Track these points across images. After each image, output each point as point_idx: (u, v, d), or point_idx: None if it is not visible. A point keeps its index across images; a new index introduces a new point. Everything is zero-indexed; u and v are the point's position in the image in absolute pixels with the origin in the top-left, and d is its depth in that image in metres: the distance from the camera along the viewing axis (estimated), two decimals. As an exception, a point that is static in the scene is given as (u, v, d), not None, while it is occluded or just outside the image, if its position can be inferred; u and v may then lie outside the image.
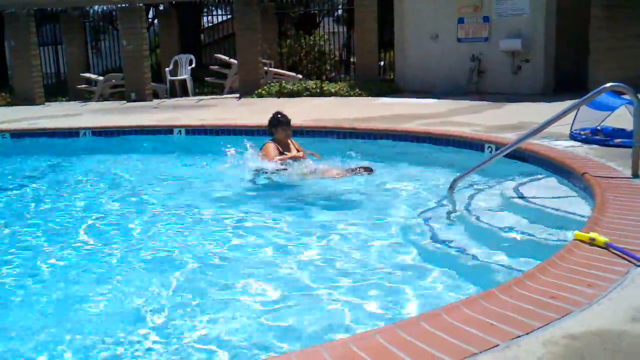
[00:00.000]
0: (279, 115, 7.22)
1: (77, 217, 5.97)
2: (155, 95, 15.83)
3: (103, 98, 16.13)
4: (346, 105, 12.11)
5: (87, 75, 17.10)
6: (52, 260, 4.62)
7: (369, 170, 6.72)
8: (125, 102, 15.05)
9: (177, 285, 4.04)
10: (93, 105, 14.94)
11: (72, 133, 10.20)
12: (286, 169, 6.84)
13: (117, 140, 9.88)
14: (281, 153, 7.02)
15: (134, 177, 7.70)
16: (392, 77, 16.23)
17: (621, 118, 6.49)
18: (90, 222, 5.71)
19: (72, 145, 9.82)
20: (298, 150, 7.22)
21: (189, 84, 16.27)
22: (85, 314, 3.65)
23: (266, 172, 6.85)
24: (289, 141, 7.24)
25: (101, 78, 16.71)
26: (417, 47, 14.24)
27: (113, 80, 16.36)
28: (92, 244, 5.05)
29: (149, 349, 3.19)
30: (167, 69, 16.59)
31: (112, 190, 7.05)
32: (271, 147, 7.07)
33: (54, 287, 4.13)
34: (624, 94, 5.24)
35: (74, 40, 17.65)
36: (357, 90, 13.99)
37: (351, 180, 6.56)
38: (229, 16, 21.80)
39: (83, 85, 16.84)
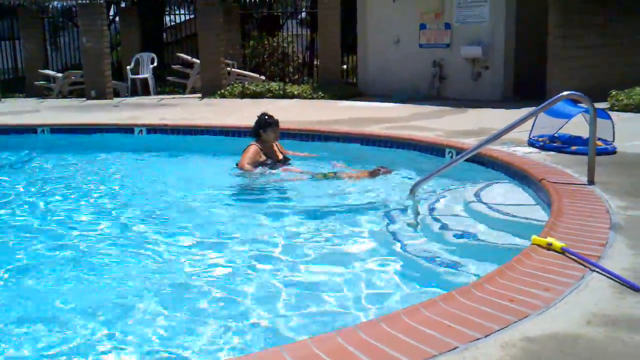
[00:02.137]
0: (267, 117, 7.05)
1: (31, 214, 5.87)
2: (116, 94, 15.60)
3: (62, 95, 15.84)
4: (309, 107, 12.13)
5: (46, 71, 16.76)
6: None
7: (384, 171, 6.68)
8: (85, 99, 14.80)
9: (129, 289, 3.99)
10: (51, 102, 14.66)
11: (29, 130, 9.99)
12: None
13: (76, 139, 9.70)
14: (260, 164, 6.86)
15: (92, 176, 7.59)
16: (354, 80, 16.30)
17: (578, 126, 6.63)
18: (42, 219, 5.62)
19: (29, 143, 9.62)
20: (282, 153, 7.17)
21: (151, 83, 16.09)
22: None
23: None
24: (275, 145, 7.13)
25: (60, 75, 16.40)
26: (380, 52, 14.33)
27: (72, 77, 16.08)
28: (44, 242, 4.97)
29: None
30: (128, 67, 16.37)
31: (68, 189, 6.93)
32: (253, 150, 6.89)
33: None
34: (580, 102, 5.36)
35: (32, 36, 17.27)
36: (320, 93, 14.01)
37: (316, 184, 6.55)
38: (191, 15, 21.62)
39: (41, 82, 16.50)
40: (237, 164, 6.93)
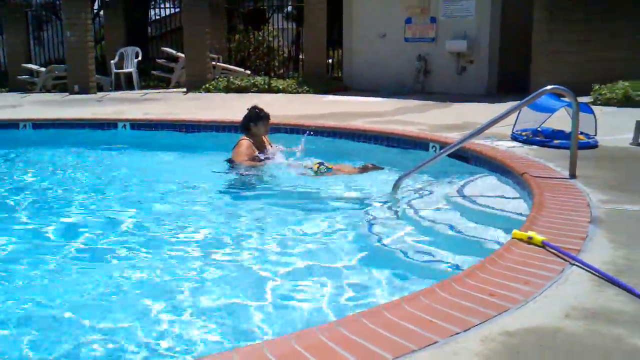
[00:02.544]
0: (257, 110, 6.98)
1: (12, 210, 5.83)
2: (100, 88, 15.51)
3: (45, 90, 15.73)
4: (294, 102, 12.12)
5: (29, 66, 16.63)
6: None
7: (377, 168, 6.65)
8: (68, 94, 14.70)
9: (108, 284, 3.97)
10: (34, 96, 14.54)
11: (12, 125, 9.90)
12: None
13: (59, 134, 9.63)
14: (253, 158, 6.78)
15: (75, 172, 7.54)
16: (340, 75, 16.30)
17: (561, 120, 6.67)
18: (23, 215, 5.58)
19: (11, 137, 9.54)
20: (272, 146, 7.10)
21: (135, 77, 16.00)
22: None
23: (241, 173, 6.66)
24: (264, 139, 7.07)
25: (43, 69, 16.28)
26: (365, 46, 14.34)
27: (56, 72, 15.96)
28: (25, 239, 4.93)
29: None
30: (112, 61, 16.28)
31: (50, 185, 6.88)
32: (246, 144, 6.82)
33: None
34: (564, 96, 5.39)
35: (15, 30, 17.11)
36: (305, 87, 14.00)
37: (305, 179, 6.52)
38: (176, 9, 21.52)
39: (24, 77, 16.36)
40: (228, 160, 6.87)
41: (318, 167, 6.52)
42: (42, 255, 4.52)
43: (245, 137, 6.92)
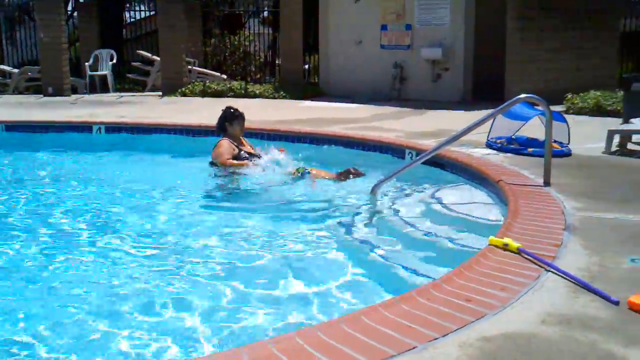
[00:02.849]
0: (232, 110, 6.95)
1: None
2: (74, 90, 15.34)
3: (18, 92, 15.51)
4: (271, 107, 12.10)
5: (1, 67, 16.39)
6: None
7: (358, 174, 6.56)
8: (42, 96, 14.51)
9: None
10: (7, 98, 14.33)
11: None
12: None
13: (32, 137, 9.50)
14: (235, 157, 6.72)
15: (47, 176, 7.45)
16: (316, 80, 16.33)
17: (535, 128, 6.76)
18: None
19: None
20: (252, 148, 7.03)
21: (110, 80, 15.85)
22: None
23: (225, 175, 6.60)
24: (242, 138, 7.02)
25: (16, 70, 16.06)
26: (341, 52, 14.38)
27: (29, 73, 15.75)
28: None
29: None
30: (86, 63, 16.10)
31: (22, 189, 6.79)
32: (226, 144, 6.75)
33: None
34: (537, 105, 5.46)
35: (-13, 30, 16.91)
36: (282, 92, 13.99)
37: (284, 182, 6.48)
38: (152, 12, 21.39)
39: (-4, 78, 16.15)
40: (212, 162, 6.78)
41: (296, 170, 6.51)
42: (12, 258, 4.46)
43: (224, 138, 6.89)
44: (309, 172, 6.51)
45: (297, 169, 6.52)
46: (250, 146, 7.10)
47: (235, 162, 6.69)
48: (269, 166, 6.70)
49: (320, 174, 6.62)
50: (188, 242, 4.87)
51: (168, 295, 3.80)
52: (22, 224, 5.45)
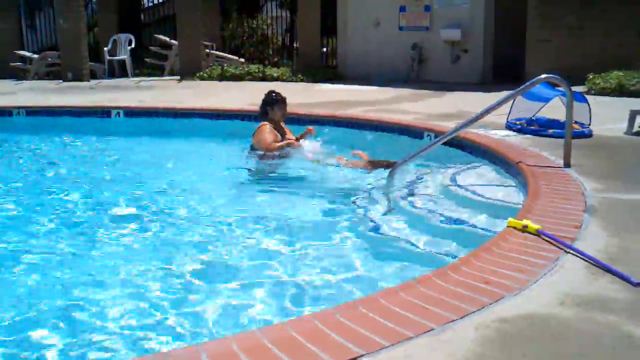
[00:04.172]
0: (274, 94, 6.87)
1: (6, 199, 5.81)
2: (93, 75, 15.43)
3: (38, 77, 15.63)
4: (289, 90, 11.96)
5: (22, 52, 16.51)
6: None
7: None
8: (61, 81, 14.62)
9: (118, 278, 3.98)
10: (27, 84, 14.46)
11: (5, 113, 9.85)
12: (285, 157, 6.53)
13: (52, 121, 9.58)
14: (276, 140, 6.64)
15: (69, 159, 7.52)
16: (334, 63, 16.26)
17: (556, 109, 6.68)
18: (17, 204, 5.56)
19: (4, 125, 9.49)
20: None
21: (128, 65, 15.91)
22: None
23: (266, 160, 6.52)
24: (282, 124, 6.93)
25: (36, 56, 16.16)
26: (359, 34, 14.30)
27: (49, 59, 15.86)
28: (20, 228, 4.92)
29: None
30: (105, 48, 16.17)
31: (44, 173, 6.86)
32: (267, 129, 6.67)
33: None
34: (558, 85, 5.40)
35: (8, 17, 16.98)
36: (300, 75, 13.98)
37: (315, 168, 6.47)
38: (170, -4, 21.38)
39: (17, 64, 16.25)
40: (253, 147, 6.72)
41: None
42: (35, 245, 4.51)
43: (265, 122, 6.81)
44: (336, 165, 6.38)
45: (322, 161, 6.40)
46: (289, 132, 7.04)
47: (279, 143, 6.60)
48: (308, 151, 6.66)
49: (354, 162, 6.47)
50: (215, 225, 4.90)
51: (185, 276, 3.83)
52: (44, 206, 5.52)
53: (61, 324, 3.24)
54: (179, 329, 3.18)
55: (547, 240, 3.29)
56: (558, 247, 3.20)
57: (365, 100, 10.15)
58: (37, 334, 3.14)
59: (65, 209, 5.43)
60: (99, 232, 4.78)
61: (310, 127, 6.93)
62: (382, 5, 13.84)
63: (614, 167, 5.16)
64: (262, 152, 6.60)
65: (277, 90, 7.00)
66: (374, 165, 6.35)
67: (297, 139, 6.76)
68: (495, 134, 6.61)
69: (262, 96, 6.94)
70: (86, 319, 3.30)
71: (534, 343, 2.27)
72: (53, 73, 15.71)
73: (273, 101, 6.83)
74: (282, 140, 6.69)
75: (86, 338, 3.10)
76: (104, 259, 4.18)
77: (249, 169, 6.54)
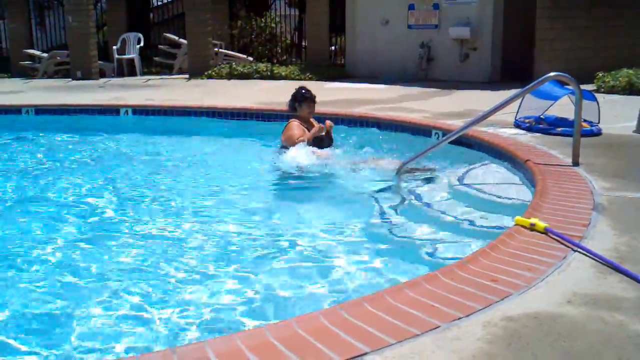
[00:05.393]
0: (303, 91, 6.89)
1: (15, 196, 5.83)
2: (102, 74, 15.49)
3: (47, 76, 15.71)
4: (296, 88, 12.07)
5: (31, 51, 16.60)
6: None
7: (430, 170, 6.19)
8: (70, 80, 14.68)
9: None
10: (37, 82, 14.53)
11: (14, 111, 9.90)
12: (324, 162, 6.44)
13: (61, 120, 9.63)
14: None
15: (77, 158, 7.54)
16: (342, 62, 16.25)
17: (565, 107, 6.65)
18: (27, 202, 5.58)
19: (13, 123, 9.54)
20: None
21: (137, 63, 15.97)
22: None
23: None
24: (311, 120, 6.93)
25: (45, 55, 16.25)
26: (368, 33, 14.28)
27: (58, 58, 15.93)
28: (29, 226, 4.93)
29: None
30: (114, 47, 16.24)
31: (53, 171, 6.88)
32: (295, 125, 6.71)
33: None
34: (567, 83, 5.37)
35: (17, 15, 17.09)
36: (308, 74, 13.97)
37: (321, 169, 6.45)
38: (179, -5, 21.41)
39: (26, 62, 16.34)
40: (283, 146, 6.70)
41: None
42: (45, 241, 4.53)
43: (294, 119, 6.84)
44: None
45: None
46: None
47: (309, 134, 6.59)
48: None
49: (379, 163, 6.42)
50: (234, 225, 4.90)
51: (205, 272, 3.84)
52: (53, 204, 5.54)
53: (68, 321, 3.25)
54: (184, 326, 3.19)
55: (554, 239, 3.28)
56: (566, 245, 3.19)
57: (373, 98, 10.14)
58: (37, 334, 3.16)
59: (73, 207, 5.44)
60: (108, 228, 4.80)
61: (328, 122, 6.91)
62: (390, 3, 13.82)
63: (623, 165, 5.13)
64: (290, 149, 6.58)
65: (307, 88, 7.00)
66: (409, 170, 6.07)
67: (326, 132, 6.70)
68: (504, 132, 6.59)
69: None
70: (101, 313, 3.31)
71: (541, 341, 2.26)
72: (62, 72, 15.78)
73: (301, 98, 6.87)
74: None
75: (91, 335, 3.11)
76: (112, 257, 4.19)
77: (276, 166, 6.53)
